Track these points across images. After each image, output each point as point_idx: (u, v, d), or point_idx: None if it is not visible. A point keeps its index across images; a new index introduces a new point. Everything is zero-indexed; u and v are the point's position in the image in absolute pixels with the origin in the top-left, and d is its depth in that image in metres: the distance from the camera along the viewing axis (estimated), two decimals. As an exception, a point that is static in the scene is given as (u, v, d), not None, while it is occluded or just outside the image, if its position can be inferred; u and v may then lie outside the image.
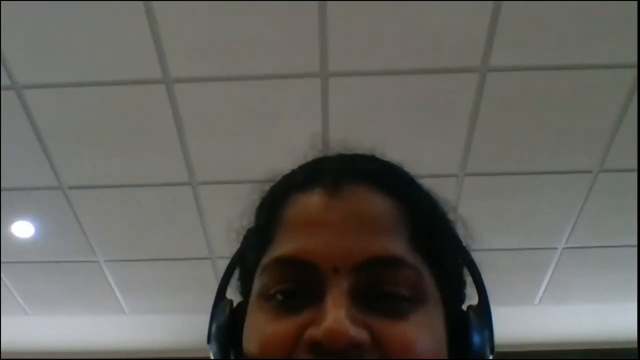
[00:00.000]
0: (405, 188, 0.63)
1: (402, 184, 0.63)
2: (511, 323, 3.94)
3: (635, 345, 3.79)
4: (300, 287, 0.58)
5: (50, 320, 4.22)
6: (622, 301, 3.98)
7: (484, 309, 0.63)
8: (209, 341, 0.64)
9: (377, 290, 0.57)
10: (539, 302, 4.08)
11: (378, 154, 0.67)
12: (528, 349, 4.05)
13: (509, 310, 3.90)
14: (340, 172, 0.62)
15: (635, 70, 2.62)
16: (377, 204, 0.60)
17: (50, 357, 4.20)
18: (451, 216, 0.66)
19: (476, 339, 0.61)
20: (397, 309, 0.57)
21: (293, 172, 0.67)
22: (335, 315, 0.54)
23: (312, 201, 0.61)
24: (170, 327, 4.19)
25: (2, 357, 4.06)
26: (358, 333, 0.54)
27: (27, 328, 4.20)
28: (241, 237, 0.68)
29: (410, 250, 0.59)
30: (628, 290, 3.86)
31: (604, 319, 4.07)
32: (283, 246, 0.60)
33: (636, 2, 2.38)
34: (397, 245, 0.59)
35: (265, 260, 0.61)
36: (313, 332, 0.55)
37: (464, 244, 0.66)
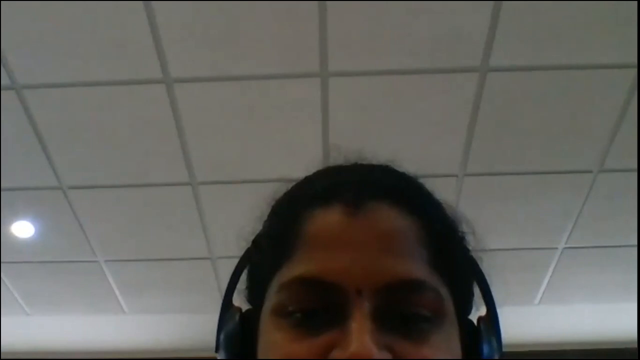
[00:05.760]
0: (425, 205, 0.63)
1: (421, 201, 0.63)
2: (511, 323, 3.90)
3: (635, 345, 3.78)
4: (321, 307, 0.58)
5: (50, 320, 4.21)
6: (622, 301, 3.98)
7: (493, 322, 0.65)
8: (217, 349, 0.64)
9: (398, 312, 0.58)
10: (539, 302, 4.08)
11: (394, 165, 0.67)
12: (528, 349, 4.05)
13: (509, 310, 3.86)
14: (360, 187, 0.61)
15: (635, 70, 2.62)
16: (399, 223, 0.60)
17: (50, 357, 4.20)
18: (464, 228, 0.66)
19: (487, 354, 0.63)
20: (418, 331, 0.57)
21: (310, 181, 0.66)
22: (361, 340, 0.54)
23: (333, 219, 0.60)
24: (170, 327, 4.18)
25: (2, 357, 4.06)
26: (383, 357, 0.55)
27: (27, 328, 4.19)
28: (249, 243, 0.67)
29: (431, 271, 0.59)
30: (628, 290, 3.86)
31: (603, 319, 4.07)
32: (304, 265, 0.59)
33: (636, 2, 2.38)
34: (419, 268, 0.59)
35: (284, 277, 0.60)
36: (339, 356, 0.55)
37: (475, 256, 0.67)
